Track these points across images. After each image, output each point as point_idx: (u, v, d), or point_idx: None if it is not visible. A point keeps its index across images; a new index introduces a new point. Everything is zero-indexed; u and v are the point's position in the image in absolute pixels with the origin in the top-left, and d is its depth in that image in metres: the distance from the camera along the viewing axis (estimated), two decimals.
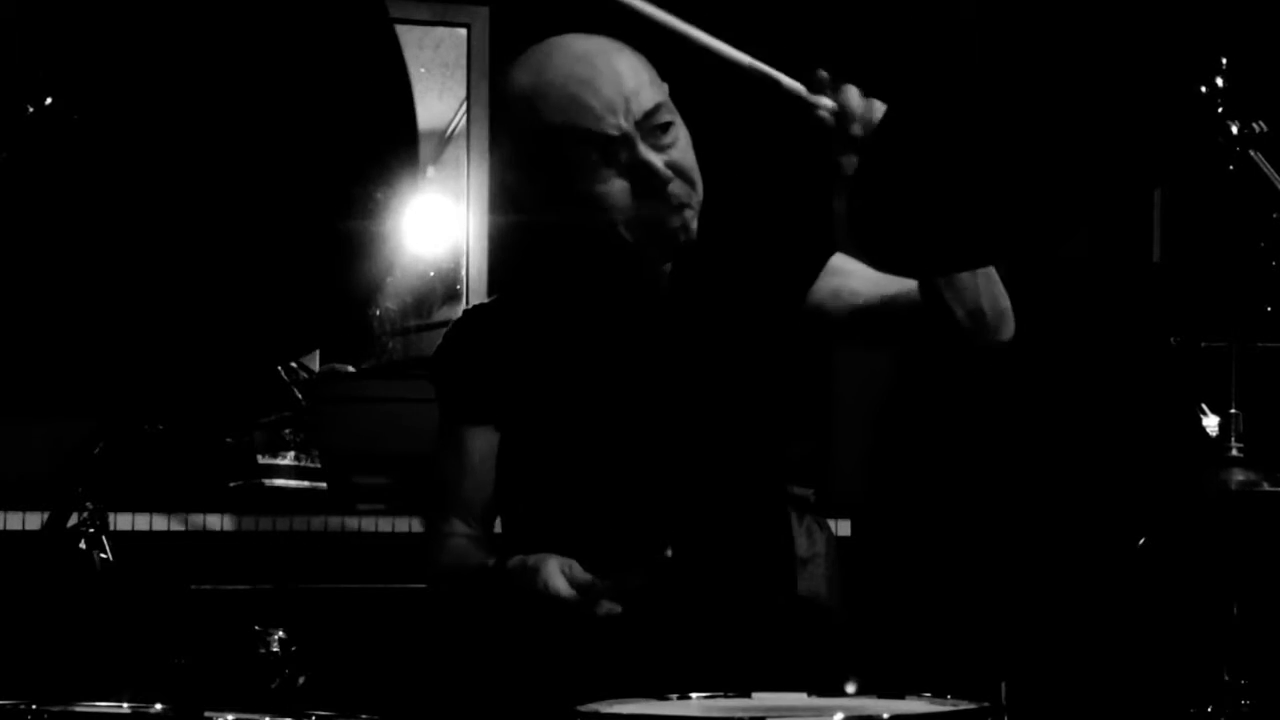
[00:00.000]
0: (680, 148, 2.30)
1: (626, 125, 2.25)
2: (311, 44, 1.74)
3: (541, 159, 2.29)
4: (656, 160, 2.26)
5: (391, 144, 1.82)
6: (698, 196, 2.33)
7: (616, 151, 2.25)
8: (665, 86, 2.33)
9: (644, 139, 2.26)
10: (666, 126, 2.28)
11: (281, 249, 1.88)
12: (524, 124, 2.29)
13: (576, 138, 2.25)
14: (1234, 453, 2.73)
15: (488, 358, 2.49)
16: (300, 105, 1.78)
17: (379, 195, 1.79)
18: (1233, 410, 2.75)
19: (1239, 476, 2.70)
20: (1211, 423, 2.88)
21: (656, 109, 2.27)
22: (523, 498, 2.49)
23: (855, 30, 4.56)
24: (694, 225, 2.33)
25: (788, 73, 2.17)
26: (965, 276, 2.18)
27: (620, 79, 2.25)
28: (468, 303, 4.47)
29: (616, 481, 2.40)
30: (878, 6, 4.54)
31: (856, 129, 2.11)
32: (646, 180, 2.26)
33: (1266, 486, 2.67)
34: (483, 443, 2.50)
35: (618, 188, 2.28)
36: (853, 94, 2.13)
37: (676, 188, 2.29)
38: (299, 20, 1.73)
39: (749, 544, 2.46)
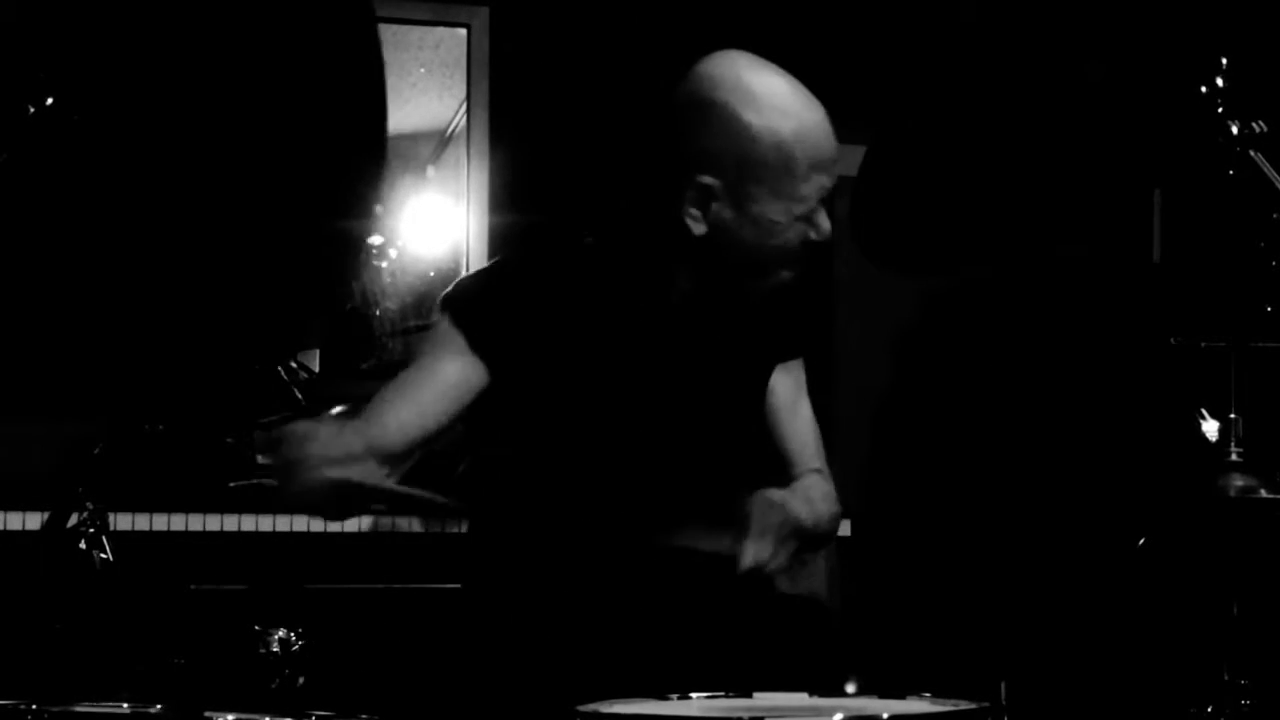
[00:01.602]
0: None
1: (829, 186, 2.34)
2: (301, 47, 1.74)
3: (759, 162, 2.32)
4: (826, 228, 2.34)
5: (360, 143, 1.82)
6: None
7: (810, 208, 2.34)
8: None
9: (823, 209, 2.35)
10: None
11: (279, 248, 1.88)
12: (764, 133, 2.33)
13: (798, 180, 2.31)
14: (1233, 458, 2.73)
15: (511, 305, 2.42)
16: (294, 106, 1.78)
17: (361, 193, 1.79)
18: (1232, 415, 2.75)
19: (1238, 482, 2.70)
20: (1211, 428, 2.88)
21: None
22: (522, 473, 2.46)
23: (858, 32, 4.56)
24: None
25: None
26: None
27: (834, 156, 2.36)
28: None
29: (614, 465, 2.39)
30: (880, 9, 4.54)
31: None
32: (816, 243, 2.35)
33: (1264, 494, 2.66)
34: (452, 374, 2.38)
35: (793, 235, 2.34)
36: None
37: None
38: (290, 23, 1.73)
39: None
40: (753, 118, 2.29)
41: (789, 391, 2.56)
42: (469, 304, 2.42)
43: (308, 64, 1.75)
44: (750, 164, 2.30)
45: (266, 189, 1.82)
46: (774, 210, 2.32)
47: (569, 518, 2.40)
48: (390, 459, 2.35)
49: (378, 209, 2.02)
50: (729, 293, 2.43)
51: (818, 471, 2.56)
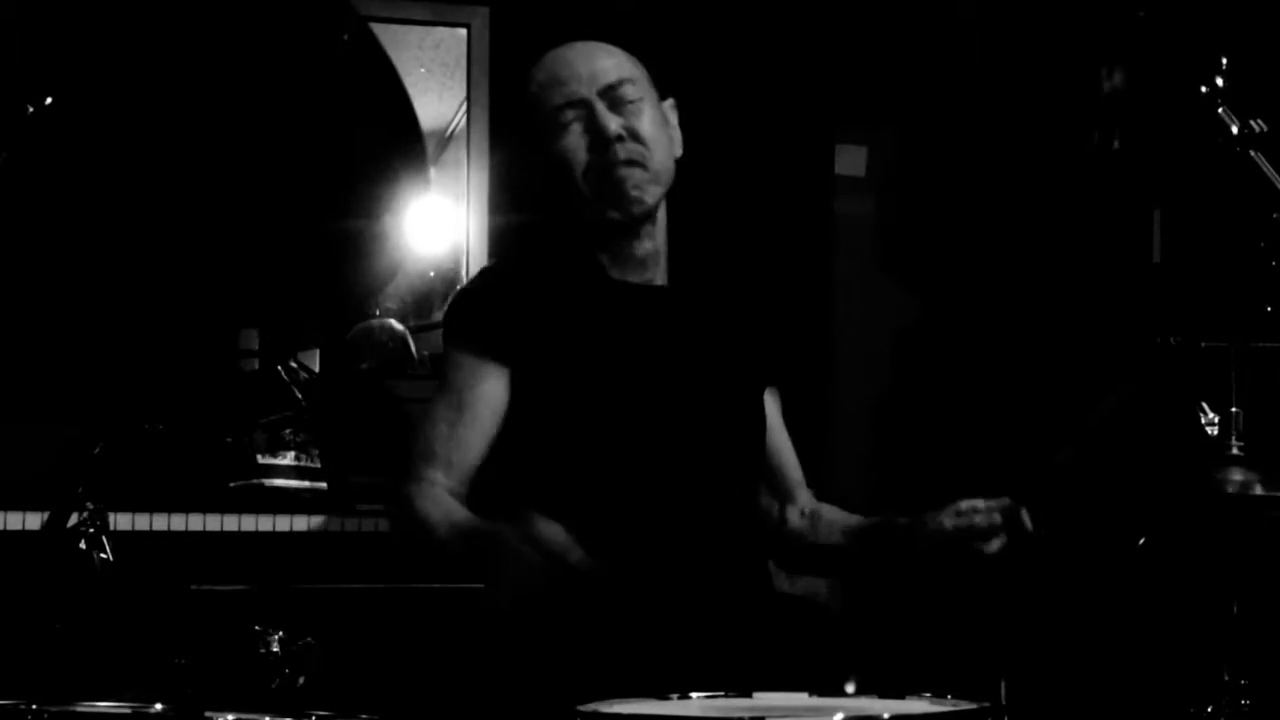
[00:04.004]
0: (642, 119, 2.56)
1: (586, 92, 2.54)
2: (303, 48, 1.74)
3: (526, 123, 2.61)
4: (609, 121, 2.52)
5: (395, 147, 1.82)
6: (654, 164, 2.56)
7: (577, 113, 2.54)
8: (641, 72, 2.62)
9: (603, 102, 2.54)
10: (630, 100, 2.56)
11: (283, 249, 1.88)
12: (520, 99, 2.64)
13: (548, 101, 2.56)
14: (1234, 451, 2.73)
15: (509, 307, 2.55)
16: (300, 107, 1.78)
17: (382, 197, 1.79)
18: (1233, 409, 2.75)
19: (1238, 475, 2.70)
20: (1211, 421, 2.88)
21: (619, 83, 2.56)
22: (517, 470, 2.49)
23: (858, 36, 4.56)
24: (651, 190, 2.55)
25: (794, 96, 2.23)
26: None
27: (591, 58, 2.59)
28: None
29: (611, 459, 2.42)
30: (887, 27, 4.54)
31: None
32: (598, 135, 2.52)
33: (1260, 490, 2.67)
34: (489, 394, 2.50)
35: (575, 143, 2.53)
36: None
37: (629, 147, 2.52)
38: (289, 27, 1.74)
39: (730, 534, 2.50)
40: None
41: (775, 414, 2.71)
42: (468, 321, 2.55)
43: (308, 66, 1.75)
44: None
45: (276, 188, 1.82)
46: None
47: (568, 514, 2.41)
48: (466, 482, 2.51)
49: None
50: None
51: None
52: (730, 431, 2.55)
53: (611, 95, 2.54)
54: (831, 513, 2.70)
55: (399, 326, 4.12)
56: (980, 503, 2.49)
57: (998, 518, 2.48)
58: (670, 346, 2.52)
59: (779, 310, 2.71)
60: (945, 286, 4.19)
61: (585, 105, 2.53)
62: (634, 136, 2.54)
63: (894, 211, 2.27)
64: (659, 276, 2.59)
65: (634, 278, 2.55)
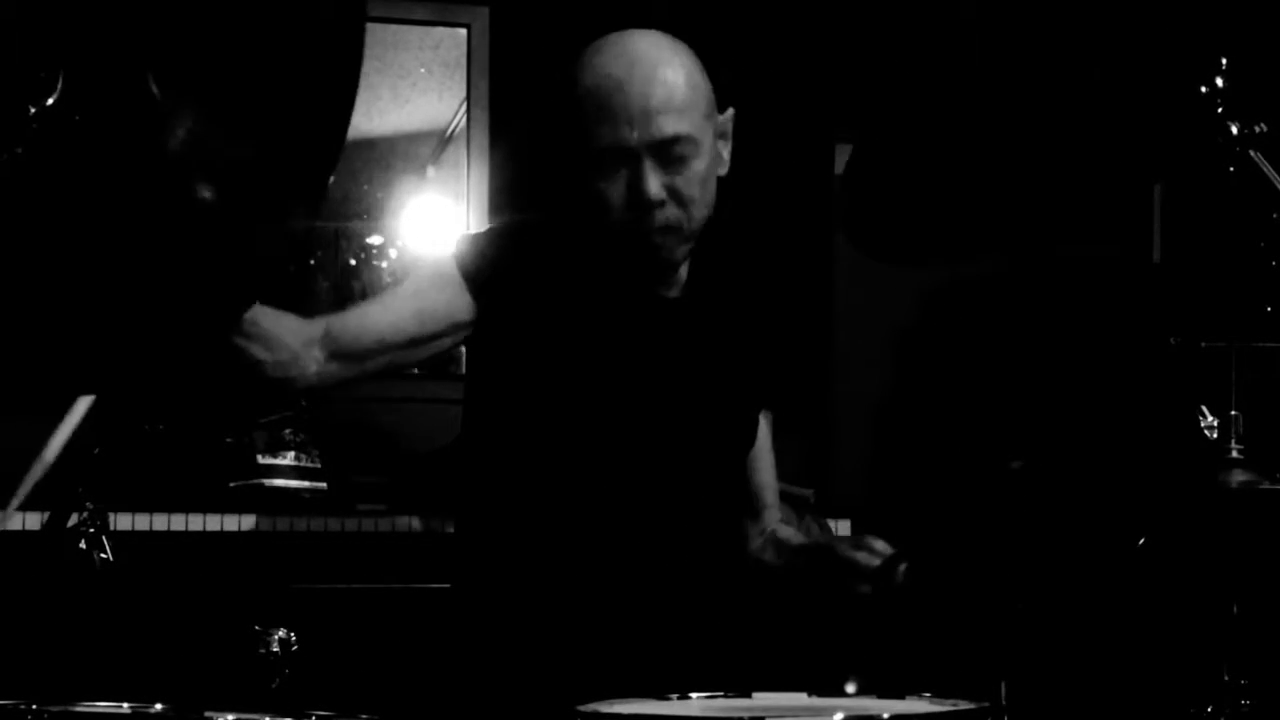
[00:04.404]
0: (689, 177, 2.36)
1: (636, 143, 2.33)
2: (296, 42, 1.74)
3: (564, 142, 2.39)
4: (653, 182, 2.33)
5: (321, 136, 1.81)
6: (691, 225, 2.39)
7: (623, 160, 2.33)
8: (702, 101, 2.40)
9: (652, 158, 2.34)
10: (681, 158, 2.36)
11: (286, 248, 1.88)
12: (562, 106, 2.40)
13: (595, 137, 2.34)
14: (1234, 454, 2.73)
15: (518, 254, 2.45)
16: (293, 101, 1.78)
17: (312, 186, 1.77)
18: (1233, 412, 2.75)
19: (1239, 478, 2.70)
20: (1211, 424, 2.88)
21: (675, 139, 2.35)
22: (514, 471, 2.46)
23: (859, 34, 4.56)
24: (681, 250, 2.41)
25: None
26: None
27: (649, 97, 2.34)
28: None
29: (605, 463, 2.40)
30: (889, 27, 4.54)
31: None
32: (639, 196, 2.33)
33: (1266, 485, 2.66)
34: (435, 298, 2.39)
35: (615, 194, 2.35)
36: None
37: (668, 212, 2.36)
38: (285, 21, 1.73)
39: (712, 546, 2.50)
40: None
41: (765, 435, 2.66)
42: (475, 248, 2.43)
43: (292, 55, 1.75)
44: None
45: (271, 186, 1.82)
46: None
47: (561, 515, 2.40)
48: (343, 354, 2.35)
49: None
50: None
51: (781, 518, 2.73)
52: (721, 442, 2.54)
53: (663, 153, 2.34)
54: (783, 532, 2.69)
55: None
56: (880, 544, 2.48)
57: (876, 563, 2.46)
58: (673, 358, 2.48)
59: (782, 331, 2.66)
60: (923, 265, 4.18)
61: (633, 157, 2.33)
62: (675, 198, 2.35)
63: (866, 192, 2.26)
64: (675, 291, 2.51)
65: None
